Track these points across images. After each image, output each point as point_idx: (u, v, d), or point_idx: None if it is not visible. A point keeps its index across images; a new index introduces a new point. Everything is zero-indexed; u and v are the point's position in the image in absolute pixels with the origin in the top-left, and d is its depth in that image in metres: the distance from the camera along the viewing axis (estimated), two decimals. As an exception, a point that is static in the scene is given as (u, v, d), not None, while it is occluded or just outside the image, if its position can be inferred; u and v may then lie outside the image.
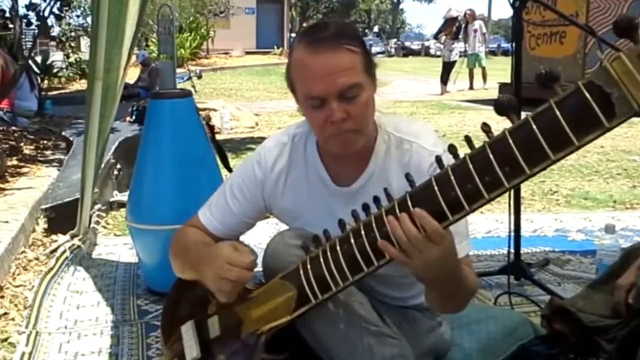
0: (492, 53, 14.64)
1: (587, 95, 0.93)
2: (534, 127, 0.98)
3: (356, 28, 1.52)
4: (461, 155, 1.10)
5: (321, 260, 1.29)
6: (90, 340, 2.27)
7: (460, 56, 13.45)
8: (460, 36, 13.43)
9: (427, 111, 10.21)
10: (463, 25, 13.32)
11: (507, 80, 2.67)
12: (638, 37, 0.91)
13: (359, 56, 1.38)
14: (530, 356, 1.99)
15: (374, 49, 31.68)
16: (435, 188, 1.11)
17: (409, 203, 1.15)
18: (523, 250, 2.77)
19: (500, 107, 1.05)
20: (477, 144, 1.08)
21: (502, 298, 2.45)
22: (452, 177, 1.08)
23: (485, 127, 1.06)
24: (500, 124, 1.03)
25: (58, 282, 2.76)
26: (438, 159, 1.15)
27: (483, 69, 13.69)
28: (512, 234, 2.62)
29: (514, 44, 2.63)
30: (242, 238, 2.88)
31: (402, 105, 10.71)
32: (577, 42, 9.42)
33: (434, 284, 1.33)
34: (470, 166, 1.06)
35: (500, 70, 11.69)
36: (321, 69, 1.34)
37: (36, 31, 8.74)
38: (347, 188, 1.51)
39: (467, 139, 1.09)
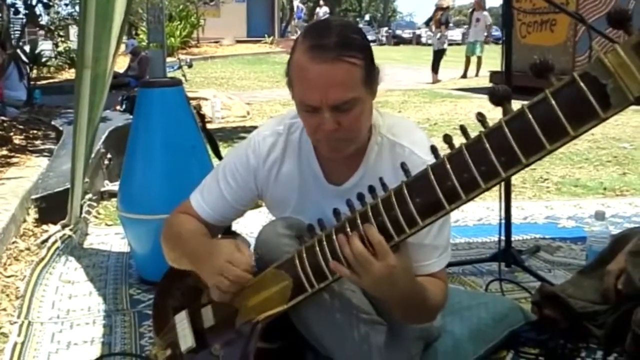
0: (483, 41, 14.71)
1: (583, 86, 0.94)
2: (530, 117, 0.98)
3: (361, 31, 1.43)
4: (457, 145, 1.10)
5: (317, 249, 1.29)
6: (82, 329, 2.27)
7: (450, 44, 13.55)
8: (451, 24, 13.46)
9: (418, 100, 10.20)
10: (451, 15, 13.43)
11: (498, 68, 2.67)
12: (632, 29, 0.91)
13: (358, 69, 1.33)
14: (520, 342, 2.01)
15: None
16: (432, 177, 1.11)
17: (405, 192, 1.15)
18: (514, 237, 2.79)
19: (495, 96, 1.05)
20: (470, 133, 1.08)
21: (493, 285, 2.47)
22: (448, 167, 1.09)
23: (480, 117, 1.06)
24: (491, 112, 1.03)
25: (50, 272, 2.75)
26: (433, 149, 1.15)
27: (478, 58, 13.71)
28: (503, 221, 2.64)
29: (504, 32, 2.64)
30: (234, 227, 2.88)
31: (394, 93, 10.69)
32: (568, 30, 9.43)
33: (389, 303, 1.35)
34: (467, 156, 1.06)
35: (492, 59, 11.69)
36: (317, 80, 1.31)
37: (24, 20, 8.65)
38: (337, 187, 1.51)
39: (463, 129, 1.09)
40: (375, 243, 1.21)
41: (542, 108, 0.97)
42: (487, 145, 1.03)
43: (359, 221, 1.22)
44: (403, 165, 1.20)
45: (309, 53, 1.32)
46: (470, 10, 14.08)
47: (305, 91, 1.35)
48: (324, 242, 1.28)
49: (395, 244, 1.22)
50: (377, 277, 1.23)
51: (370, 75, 1.37)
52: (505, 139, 1.01)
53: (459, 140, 1.09)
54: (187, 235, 1.56)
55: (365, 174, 1.48)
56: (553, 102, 0.96)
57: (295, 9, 28.65)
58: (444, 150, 1.13)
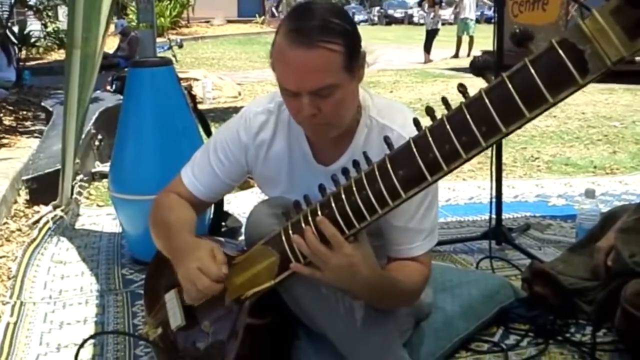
0: (475, 21, 14.66)
1: (561, 52, 0.93)
2: (509, 85, 0.98)
3: (345, 15, 1.38)
4: (438, 117, 1.10)
5: (302, 224, 1.29)
6: (75, 309, 2.28)
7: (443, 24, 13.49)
8: (443, 3, 13.41)
9: (410, 79, 10.18)
10: None
11: (490, 47, 2.67)
12: None
13: (337, 55, 1.31)
14: (511, 318, 2.03)
15: (357, 18, 31.33)
16: (414, 149, 1.11)
17: (388, 165, 1.16)
18: (504, 215, 2.80)
19: (475, 67, 1.05)
20: (454, 106, 1.08)
21: (484, 262, 2.49)
22: (430, 139, 1.09)
23: (462, 88, 1.07)
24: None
25: (41, 253, 2.75)
26: (416, 121, 1.15)
27: (471, 38, 13.67)
28: (494, 199, 2.65)
29: (496, 11, 2.63)
30: (226, 208, 2.87)
31: (386, 74, 10.66)
32: (560, 9, 9.40)
33: (358, 294, 1.36)
34: (448, 127, 1.06)
35: (484, 38, 11.66)
36: (295, 65, 1.31)
37: (12, 0, 8.56)
38: (326, 167, 1.52)
39: (444, 100, 1.09)
40: (329, 235, 1.23)
41: (521, 76, 0.97)
42: (468, 116, 1.03)
43: (343, 195, 1.22)
44: (386, 139, 1.19)
45: (288, 37, 1.31)
46: None
47: (284, 75, 1.35)
48: (309, 217, 1.28)
49: (355, 233, 1.24)
50: (337, 269, 1.25)
51: (353, 60, 1.35)
52: (486, 108, 1.01)
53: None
54: (174, 226, 1.53)
55: (353, 155, 1.46)
56: (532, 70, 0.96)
57: None
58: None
